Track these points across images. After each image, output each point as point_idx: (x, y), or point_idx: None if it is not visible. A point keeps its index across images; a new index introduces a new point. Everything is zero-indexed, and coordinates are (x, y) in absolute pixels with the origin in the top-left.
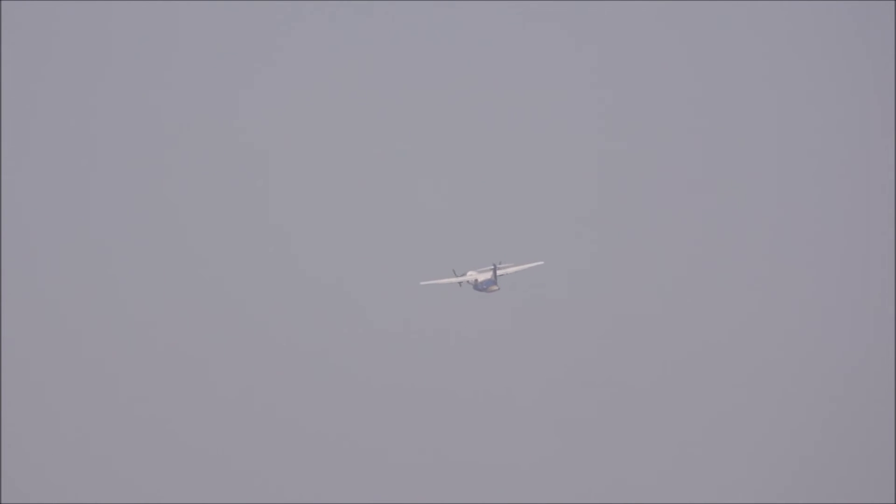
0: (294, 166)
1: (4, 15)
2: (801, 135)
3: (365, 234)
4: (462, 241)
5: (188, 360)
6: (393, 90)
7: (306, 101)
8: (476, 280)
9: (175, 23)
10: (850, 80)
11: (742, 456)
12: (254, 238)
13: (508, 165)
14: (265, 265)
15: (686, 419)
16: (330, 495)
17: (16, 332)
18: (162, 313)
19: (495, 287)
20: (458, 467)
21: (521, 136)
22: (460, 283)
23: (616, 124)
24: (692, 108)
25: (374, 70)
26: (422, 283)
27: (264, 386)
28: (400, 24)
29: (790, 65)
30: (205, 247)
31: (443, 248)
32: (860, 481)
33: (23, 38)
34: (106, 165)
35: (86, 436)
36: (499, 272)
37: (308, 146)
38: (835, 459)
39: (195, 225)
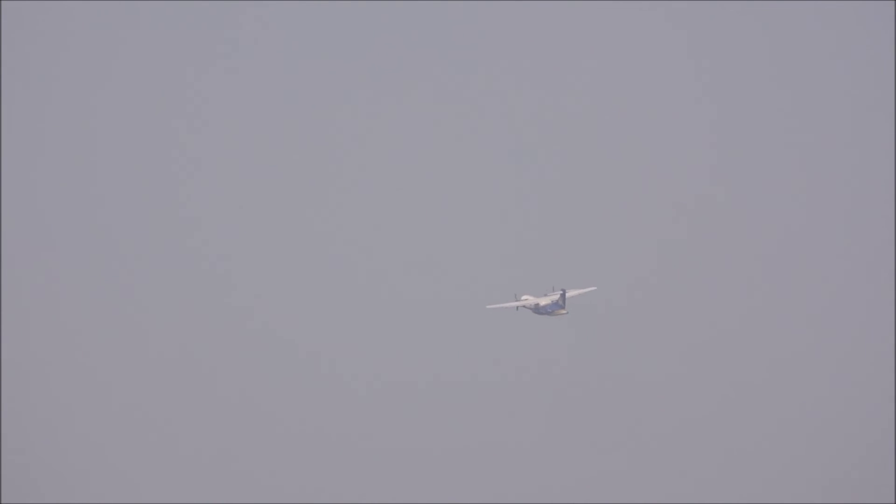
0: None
1: (4, 15)
2: (801, 134)
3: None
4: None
5: (186, 364)
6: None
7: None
8: (537, 304)
9: (170, 25)
10: (850, 80)
11: (742, 456)
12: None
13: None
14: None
15: (685, 419)
16: None
17: (15, 332)
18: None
19: (563, 311)
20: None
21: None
22: (517, 307)
23: (614, 130)
24: (689, 108)
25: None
26: (487, 306)
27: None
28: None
29: (790, 64)
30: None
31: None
32: (860, 481)
33: (23, 38)
34: (97, 165)
35: (86, 436)
36: (556, 296)
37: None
38: (835, 459)
39: (194, 228)
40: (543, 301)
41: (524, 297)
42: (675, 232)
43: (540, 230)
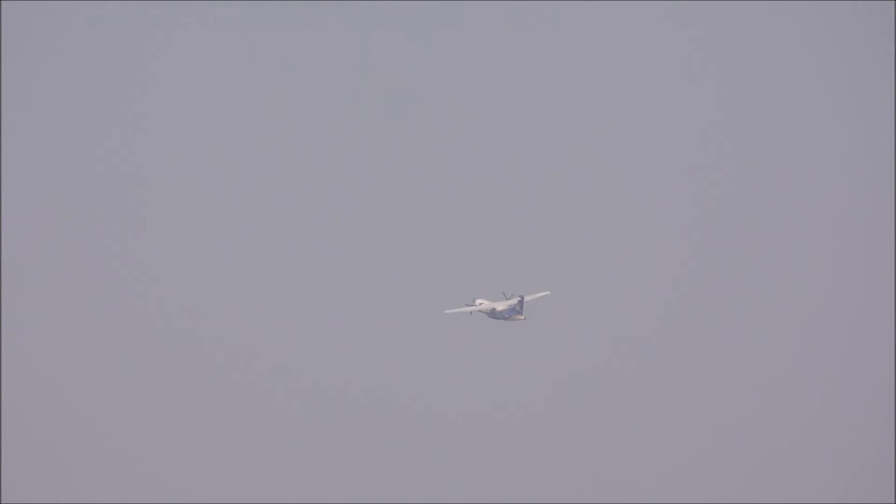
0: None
1: (4, 15)
2: (801, 134)
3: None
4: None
5: (181, 366)
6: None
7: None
8: (493, 309)
9: (169, 25)
10: (850, 80)
11: (742, 456)
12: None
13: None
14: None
15: (685, 420)
16: None
17: (15, 332)
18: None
19: (521, 316)
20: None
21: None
22: (472, 312)
23: (600, 129)
24: (687, 108)
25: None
26: (446, 311)
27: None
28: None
29: (790, 65)
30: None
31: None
32: (860, 481)
33: (23, 38)
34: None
35: (86, 436)
36: (514, 301)
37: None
38: (835, 459)
39: (190, 229)
40: (500, 306)
41: (479, 302)
42: (667, 234)
43: (492, 234)
